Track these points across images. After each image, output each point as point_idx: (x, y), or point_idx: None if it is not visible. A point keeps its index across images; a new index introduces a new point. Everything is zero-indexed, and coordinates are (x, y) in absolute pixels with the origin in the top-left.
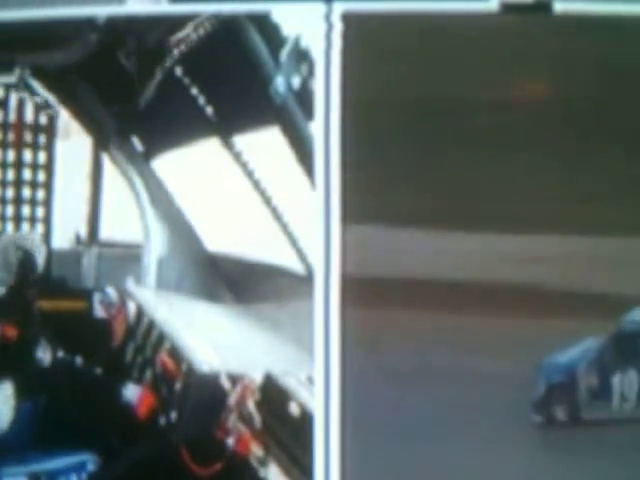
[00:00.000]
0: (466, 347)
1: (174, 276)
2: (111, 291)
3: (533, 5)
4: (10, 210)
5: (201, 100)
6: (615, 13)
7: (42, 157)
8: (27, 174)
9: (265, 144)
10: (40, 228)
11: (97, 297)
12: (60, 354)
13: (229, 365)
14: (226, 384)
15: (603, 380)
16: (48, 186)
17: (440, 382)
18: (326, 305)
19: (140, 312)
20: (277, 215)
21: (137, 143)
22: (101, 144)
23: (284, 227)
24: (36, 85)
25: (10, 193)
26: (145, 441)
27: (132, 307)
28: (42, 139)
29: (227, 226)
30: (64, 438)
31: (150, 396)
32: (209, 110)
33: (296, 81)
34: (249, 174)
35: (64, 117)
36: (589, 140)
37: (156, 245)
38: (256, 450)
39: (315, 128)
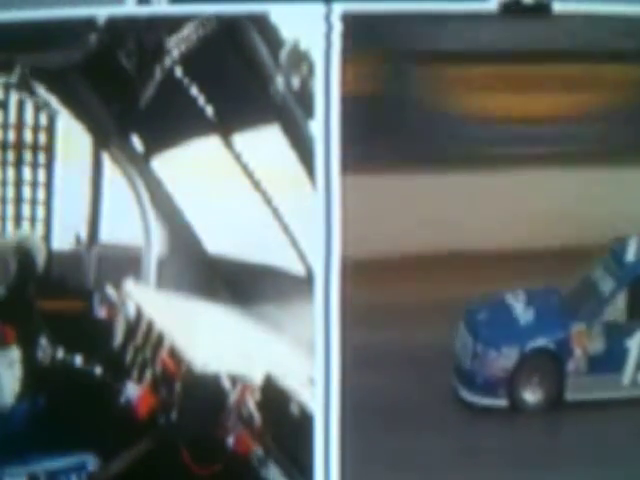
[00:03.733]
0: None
1: (174, 276)
2: (111, 291)
3: (533, 5)
4: (10, 210)
5: (201, 100)
6: (615, 13)
7: (42, 157)
8: (27, 174)
9: (265, 144)
10: (40, 228)
11: (97, 297)
12: (60, 354)
13: (229, 365)
14: (226, 384)
15: (613, 343)
16: (48, 186)
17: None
18: (326, 306)
19: (140, 312)
20: (277, 216)
21: (137, 143)
22: (101, 144)
23: (284, 228)
24: (36, 85)
25: (10, 193)
26: (145, 441)
27: (132, 307)
28: (42, 139)
29: (227, 226)
30: (64, 438)
31: (150, 396)
32: (209, 110)
33: (296, 81)
34: (249, 174)
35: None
36: None
37: (156, 245)
38: (256, 450)
39: (315, 128)
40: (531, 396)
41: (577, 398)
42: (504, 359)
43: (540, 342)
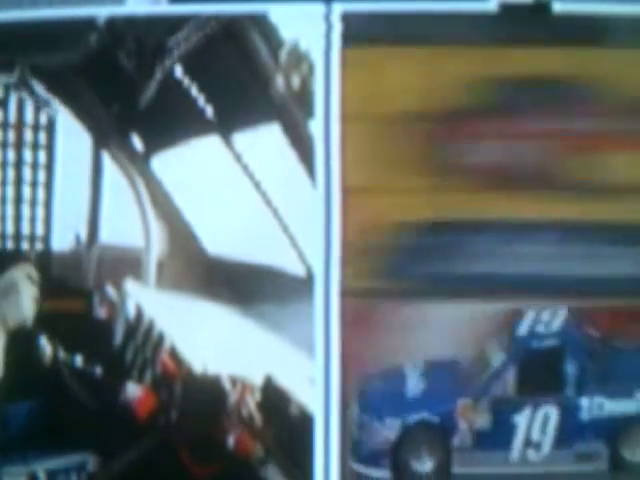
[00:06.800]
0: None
1: (174, 276)
2: (111, 291)
3: (532, 5)
4: (10, 210)
5: (201, 100)
6: (615, 13)
7: (42, 157)
8: (27, 174)
9: (265, 144)
10: (40, 228)
11: (97, 297)
12: (60, 354)
13: (229, 366)
14: (226, 385)
15: (501, 418)
16: (48, 186)
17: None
18: (326, 306)
19: (140, 312)
20: (278, 216)
21: (137, 143)
22: (101, 144)
23: (284, 228)
24: (36, 85)
25: (10, 193)
26: (145, 441)
27: (132, 307)
28: (42, 139)
29: (227, 226)
30: (64, 438)
31: (150, 396)
32: (209, 110)
33: (296, 81)
34: (249, 174)
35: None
36: None
37: (156, 245)
38: (256, 450)
39: (315, 128)
40: (418, 468)
41: (465, 472)
42: (387, 430)
43: (423, 415)
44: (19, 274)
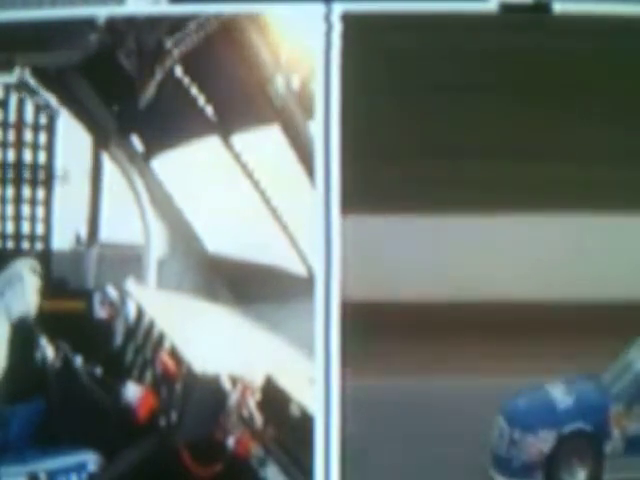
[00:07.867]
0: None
1: (174, 276)
2: (111, 291)
3: (532, 5)
4: (10, 210)
5: (201, 100)
6: (615, 13)
7: (42, 157)
8: (27, 174)
9: (265, 144)
10: (40, 228)
11: (97, 297)
12: (60, 354)
13: (229, 366)
14: (226, 385)
15: None
16: (48, 186)
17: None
18: (327, 305)
19: (140, 312)
20: (277, 215)
21: (137, 143)
22: (101, 144)
23: (284, 227)
24: (36, 85)
25: (10, 193)
26: (145, 441)
27: (132, 307)
28: (42, 139)
29: (227, 226)
30: (64, 438)
31: (150, 397)
32: (209, 110)
33: (296, 81)
34: (249, 174)
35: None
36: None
37: (156, 245)
38: (256, 450)
39: (315, 128)
40: (569, 478)
41: (615, 479)
42: (541, 443)
43: (578, 425)
44: (23, 265)
